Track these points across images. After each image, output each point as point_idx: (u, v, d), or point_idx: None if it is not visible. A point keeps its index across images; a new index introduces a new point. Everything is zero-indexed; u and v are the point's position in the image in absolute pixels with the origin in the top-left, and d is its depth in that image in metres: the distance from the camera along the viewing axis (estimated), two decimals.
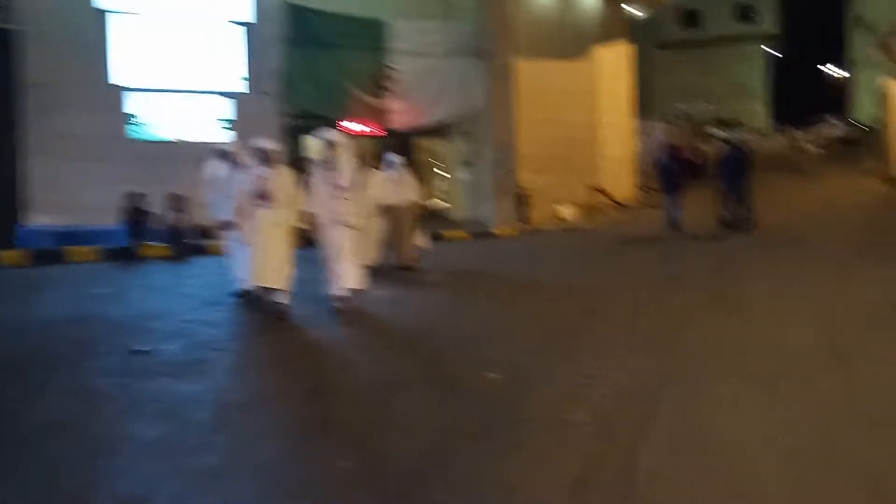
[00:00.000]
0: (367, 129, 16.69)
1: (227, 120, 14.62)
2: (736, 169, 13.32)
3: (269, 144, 7.37)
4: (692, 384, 4.88)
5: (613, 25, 21.71)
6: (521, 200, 18.19)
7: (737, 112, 42.41)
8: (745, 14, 43.94)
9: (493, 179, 17.05)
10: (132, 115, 13.90)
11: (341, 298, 7.40)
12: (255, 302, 7.66)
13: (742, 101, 43.83)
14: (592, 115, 20.57)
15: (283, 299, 7.34)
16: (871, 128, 33.76)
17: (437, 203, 19.66)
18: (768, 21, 44.11)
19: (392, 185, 10.33)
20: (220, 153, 8.37)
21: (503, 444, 4.08)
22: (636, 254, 12.04)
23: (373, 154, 12.33)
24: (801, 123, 38.46)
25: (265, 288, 7.31)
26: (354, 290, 7.47)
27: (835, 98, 45.27)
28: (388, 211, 10.21)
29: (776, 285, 8.07)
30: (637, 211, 20.07)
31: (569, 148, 19.91)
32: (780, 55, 47.02)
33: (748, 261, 9.98)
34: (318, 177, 7.38)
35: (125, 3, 13.77)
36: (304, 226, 7.40)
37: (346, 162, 7.37)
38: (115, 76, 13.72)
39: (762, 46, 44.82)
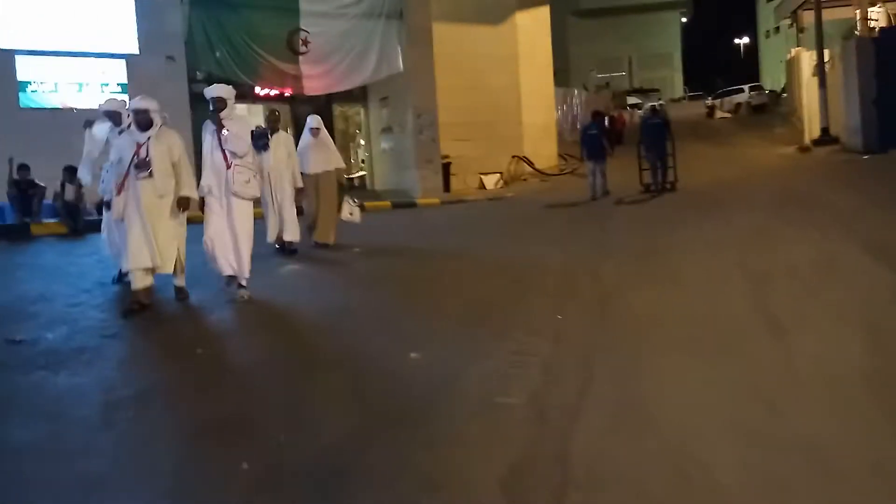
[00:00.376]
0: (278, 95, 15.83)
1: (121, 84, 13.49)
2: (657, 135, 13.60)
3: (147, 104, 6.20)
4: (628, 358, 4.58)
5: None
6: (444, 169, 17.79)
7: (653, 80, 43.15)
8: None
9: (415, 147, 16.52)
10: (24, 82, 12.60)
11: (236, 283, 6.52)
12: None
13: (658, 69, 44.63)
14: (515, 82, 20.26)
15: (177, 282, 6.53)
16: (778, 95, 34.96)
17: (358, 172, 19.02)
18: None
19: (312, 152, 9.36)
20: (107, 115, 7.02)
21: (428, 434, 3.66)
22: (562, 222, 11.79)
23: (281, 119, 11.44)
24: (713, 91, 39.46)
25: (146, 270, 6.13)
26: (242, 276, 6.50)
27: (744, 66, 46.65)
28: (309, 181, 9.24)
29: (703, 251, 7.94)
30: (558, 179, 19.98)
31: (492, 115, 19.57)
32: (693, 23, 48.05)
33: (674, 227, 9.84)
34: (206, 142, 6.35)
35: None
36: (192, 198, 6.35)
37: (239, 122, 6.43)
38: (3, 39, 12.38)
39: (677, 15, 45.62)
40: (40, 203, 10.53)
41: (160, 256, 6.06)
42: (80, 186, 10.50)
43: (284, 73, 15.42)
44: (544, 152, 21.89)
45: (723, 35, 50.94)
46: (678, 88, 45.98)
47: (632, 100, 37.45)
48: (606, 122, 22.53)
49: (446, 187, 17.84)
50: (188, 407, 4.29)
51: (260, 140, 7.88)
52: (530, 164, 20.44)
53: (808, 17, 23.96)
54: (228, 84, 6.89)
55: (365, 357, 5.02)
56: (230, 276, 6.51)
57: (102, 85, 13.22)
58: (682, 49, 47.38)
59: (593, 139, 14.16)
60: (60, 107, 12.86)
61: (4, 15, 12.26)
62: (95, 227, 10.57)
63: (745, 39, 49.40)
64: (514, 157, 20.19)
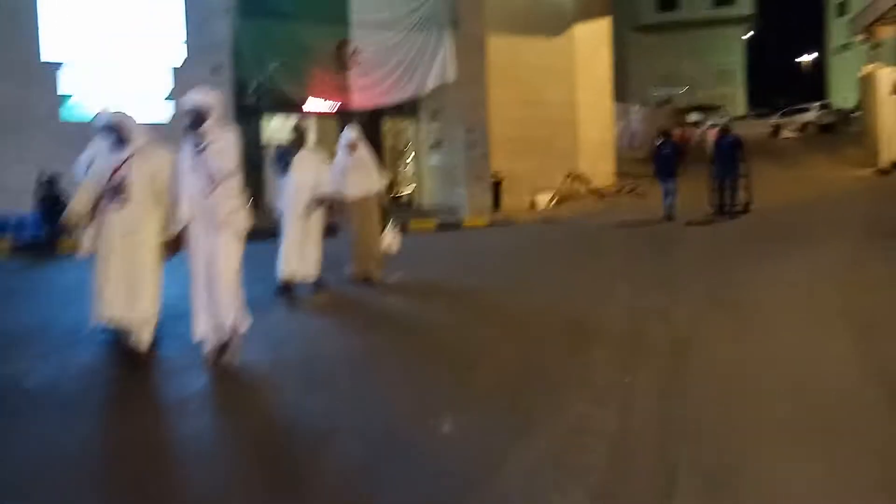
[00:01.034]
0: (328, 108, 15.16)
1: (168, 96, 12.99)
2: (729, 155, 12.73)
3: (123, 118, 5.03)
4: (718, 442, 3.54)
5: (592, 1, 20.28)
6: (495, 186, 16.86)
7: (715, 97, 41.36)
8: None
9: (464, 163, 15.62)
10: (66, 95, 12.21)
11: (214, 344, 4.95)
12: (107, 339, 5.29)
13: (720, 85, 42.79)
14: (571, 96, 19.22)
15: (144, 338, 5.00)
16: (848, 114, 32.88)
17: (407, 189, 18.24)
18: (746, 4, 42.93)
19: (350, 172, 7.79)
20: (108, 130, 5.20)
21: None
22: (624, 249, 10.60)
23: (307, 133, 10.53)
24: (779, 108, 37.51)
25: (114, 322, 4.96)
26: (230, 332, 4.95)
27: (810, 83, 44.40)
28: (348, 207, 7.74)
29: (791, 289, 6.79)
30: (616, 198, 18.80)
31: (547, 130, 18.57)
32: (758, 39, 46.03)
33: (753, 257, 8.68)
34: (183, 161, 4.91)
35: None
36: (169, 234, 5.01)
37: (227, 137, 4.93)
38: (47, 51, 12.01)
39: (740, 30, 43.72)
40: None
41: (130, 306, 4.81)
42: None
43: (332, 86, 14.76)
44: (601, 170, 20.72)
45: (788, 51, 48.75)
46: (741, 106, 43.99)
47: (693, 116, 35.83)
48: (680, 141, 21.33)
49: (497, 205, 16.88)
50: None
51: (281, 160, 6.94)
52: (586, 182, 19.32)
53: (884, 32, 22.26)
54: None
55: (382, 426, 3.99)
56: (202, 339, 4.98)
57: (148, 97, 12.76)
58: (745, 65, 45.39)
59: (667, 159, 13.46)
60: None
61: (47, 27, 11.91)
62: None
63: (812, 56, 47.14)
64: (569, 174, 19.11)
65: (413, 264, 8.63)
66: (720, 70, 43.23)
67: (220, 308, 4.84)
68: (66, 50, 12.09)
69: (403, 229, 10.19)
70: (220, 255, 4.86)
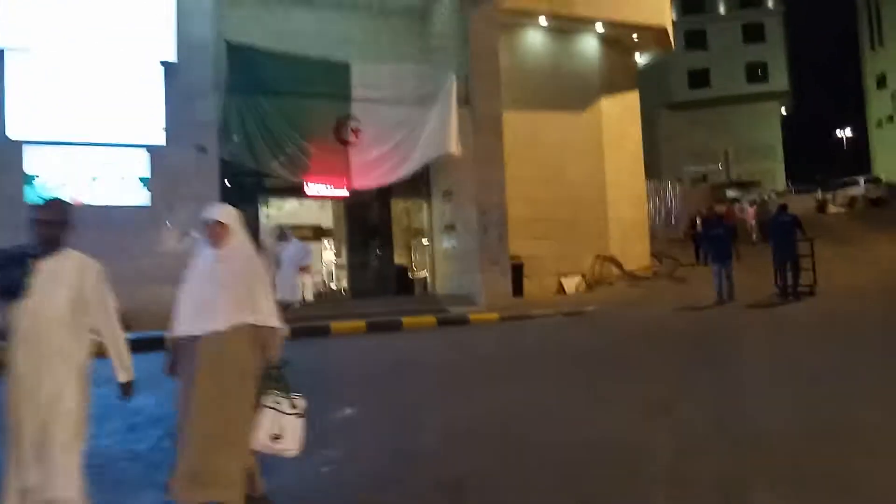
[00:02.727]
0: (326, 191, 13.54)
1: (143, 179, 11.49)
2: (788, 234, 11.43)
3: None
4: None
5: (619, 75, 18.67)
6: (516, 271, 14.86)
7: (752, 173, 39.17)
8: (757, 72, 41.09)
9: (479, 247, 13.71)
10: (30, 175, 10.80)
11: None
12: None
13: (757, 161, 40.60)
14: (599, 174, 17.35)
15: None
16: None
17: (420, 273, 16.33)
18: (780, 79, 41.23)
19: (199, 285, 3.67)
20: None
21: None
22: (666, 354, 8.01)
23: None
24: (819, 183, 35.09)
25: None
26: None
27: (853, 156, 41.91)
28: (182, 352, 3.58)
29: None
30: (654, 282, 16.56)
31: (572, 209, 16.65)
32: (794, 113, 44.03)
33: (839, 369, 6.40)
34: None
35: (22, 39, 10.82)
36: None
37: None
38: (12, 128, 10.68)
39: (775, 105, 41.84)
40: None
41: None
42: None
43: (331, 166, 13.17)
44: (634, 251, 18.57)
45: (826, 125, 46.52)
46: (780, 181, 41.63)
47: (731, 193, 33.65)
48: (730, 220, 19.35)
49: (518, 291, 14.83)
50: None
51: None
52: (618, 265, 17.18)
53: None
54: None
55: None
56: None
57: (121, 179, 11.28)
58: (782, 140, 43.24)
59: (719, 240, 12.42)
60: (70, 202, 10.92)
61: (13, 103, 10.62)
62: None
63: (850, 129, 44.81)
64: (598, 256, 17.02)
65: (388, 383, 6.48)
66: (757, 145, 41.15)
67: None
68: (31, 127, 10.74)
69: (392, 325, 8.08)
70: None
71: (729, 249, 12.29)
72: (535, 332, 9.74)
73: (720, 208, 23.76)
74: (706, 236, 13.56)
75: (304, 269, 12.28)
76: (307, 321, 10.87)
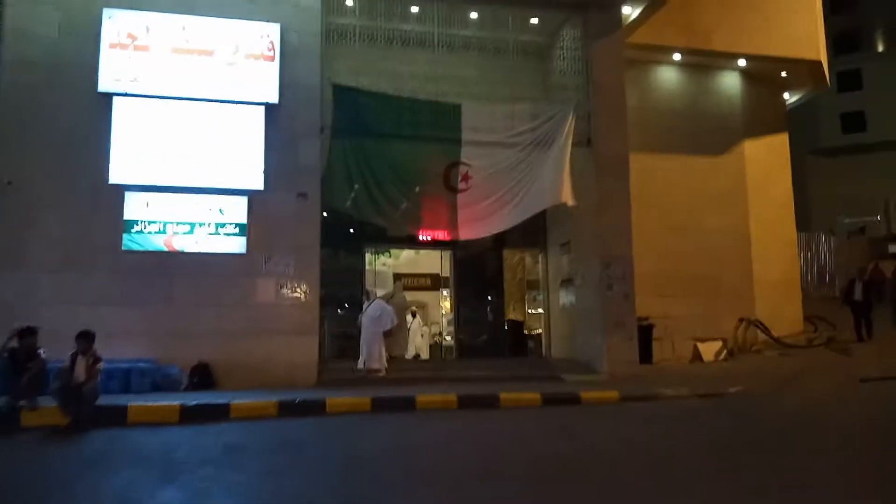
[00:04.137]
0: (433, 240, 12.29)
1: (237, 224, 10.75)
2: None
3: None
4: None
5: (765, 114, 16.32)
6: (645, 333, 12.80)
7: None
8: None
9: (601, 305, 11.85)
10: (129, 221, 10.37)
11: None
12: None
13: None
14: (742, 225, 14.99)
15: None
16: None
17: (533, 331, 14.60)
18: None
19: None
20: None
21: None
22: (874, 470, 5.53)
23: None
24: None
25: None
26: None
27: None
28: None
29: None
30: (806, 352, 13.82)
31: (711, 264, 14.39)
32: None
33: None
34: None
35: (127, 83, 10.52)
36: None
37: None
38: (115, 173, 10.33)
39: None
40: (36, 381, 7.20)
41: None
42: (95, 362, 7.29)
43: (439, 214, 11.92)
44: (785, 315, 15.84)
45: None
46: None
47: (893, 248, 29.20)
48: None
49: (646, 357, 12.74)
50: None
51: None
52: (765, 330, 14.58)
53: None
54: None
55: None
56: None
57: (217, 225, 10.62)
58: None
59: None
60: (166, 249, 10.34)
61: (118, 148, 10.26)
62: (107, 418, 7.17)
63: None
64: (742, 319, 14.54)
65: None
66: None
67: None
68: (134, 173, 10.33)
69: (483, 401, 6.45)
70: None
71: None
72: (668, 420, 7.65)
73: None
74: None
75: (386, 333, 11.28)
76: (395, 386, 9.53)
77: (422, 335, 14.90)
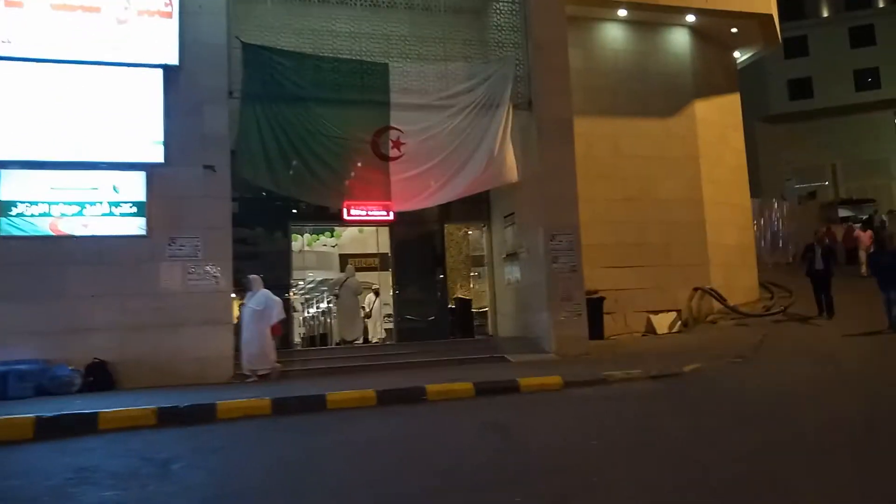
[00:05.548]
0: (365, 215, 10.99)
1: (135, 203, 9.32)
2: None
3: None
4: None
5: (715, 74, 15.35)
6: (595, 307, 11.80)
7: (865, 189, 34.04)
8: (867, 79, 35.87)
9: (547, 280, 10.77)
10: (7, 202, 8.85)
11: None
12: None
13: (870, 177, 35.29)
14: (695, 190, 14.03)
15: None
16: None
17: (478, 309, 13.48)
18: (894, 86, 35.81)
19: None
20: None
21: None
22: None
23: None
24: None
25: None
26: None
27: None
28: None
29: None
30: (764, 321, 13.00)
31: (662, 233, 13.43)
32: None
33: None
34: None
35: (4, 47, 8.95)
36: None
37: None
38: None
39: (889, 115, 36.39)
40: None
41: None
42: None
43: (370, 185, 10.64)
44: (740, 283, 15.03)
45: None
46: None
47: (843, 212, 28.92)
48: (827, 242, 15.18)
49: (597, 333, 11.76)
50: None
51: None
52: (721, 298, 13.72)
53: None
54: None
55: None
56: None
57: (111, 204, 9.17)
58: None
59: (893, 269, 10.96)
60: (52, 233, 8.87)
61: None
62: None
63: None
64: (696, 289, 13.66)
65: None
66: (869, 160, 35.82)
67: None
68: (10, 148, 8.79)
69: (410, 395, 5.33)
70: None
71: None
72: (617, 410, 6.47)
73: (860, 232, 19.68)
74: (876, 265, 11.86)
75: (275, 329, 9.64)
76: (313, 379, 8.29)
77: (384, 316, 13.63)
